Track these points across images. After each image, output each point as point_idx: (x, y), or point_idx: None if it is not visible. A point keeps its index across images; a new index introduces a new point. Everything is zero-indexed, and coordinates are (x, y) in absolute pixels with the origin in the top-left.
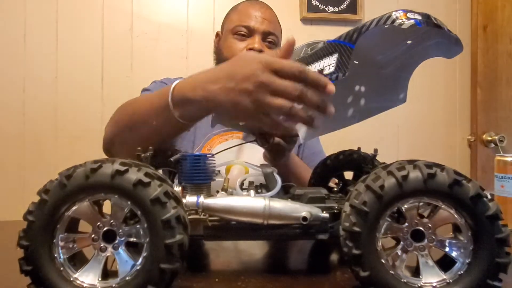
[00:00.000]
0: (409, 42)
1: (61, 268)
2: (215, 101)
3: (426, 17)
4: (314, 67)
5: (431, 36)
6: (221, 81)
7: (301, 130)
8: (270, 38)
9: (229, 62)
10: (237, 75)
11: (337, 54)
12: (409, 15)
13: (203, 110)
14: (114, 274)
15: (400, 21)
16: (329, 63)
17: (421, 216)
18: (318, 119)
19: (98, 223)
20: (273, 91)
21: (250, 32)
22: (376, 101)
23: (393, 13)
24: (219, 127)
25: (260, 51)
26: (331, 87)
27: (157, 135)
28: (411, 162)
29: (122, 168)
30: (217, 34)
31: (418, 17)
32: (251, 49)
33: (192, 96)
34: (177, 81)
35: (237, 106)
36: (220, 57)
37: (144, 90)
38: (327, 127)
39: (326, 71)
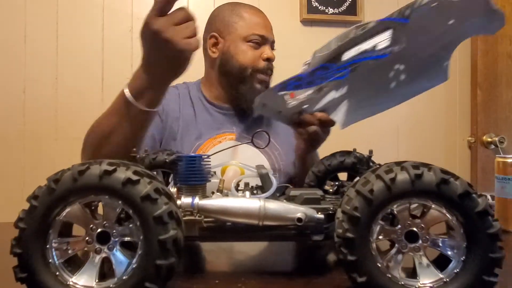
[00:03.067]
0: (454, 20)
1: (57, 273)
2: (168, 57)
3: None
4: (367, 45)
5: (475, 13)
6: (153, 57)
7: (339, 116)
8: (273, 45)
9: (144, 49)
10: (156, 42)
11: (391, 29)
12: None
13: (160, 82)
14: (112, 275)
15: None
16: (382, 39)
17: (414, 217)
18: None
19: (91, 225)
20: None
21: (263, 41)
22: (416, 81)
23: None
24: (212, 131)
25: (271, 59)
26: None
27: (130, 134)
28: (399, 163)
29: (110, 168)
30: (215, 37)
31: None
32: (268, 58)
33: (146, 81)
34: (124, 86)
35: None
36: (229, 61)
37: None
38: (367, 111)
39: (379, 47)
